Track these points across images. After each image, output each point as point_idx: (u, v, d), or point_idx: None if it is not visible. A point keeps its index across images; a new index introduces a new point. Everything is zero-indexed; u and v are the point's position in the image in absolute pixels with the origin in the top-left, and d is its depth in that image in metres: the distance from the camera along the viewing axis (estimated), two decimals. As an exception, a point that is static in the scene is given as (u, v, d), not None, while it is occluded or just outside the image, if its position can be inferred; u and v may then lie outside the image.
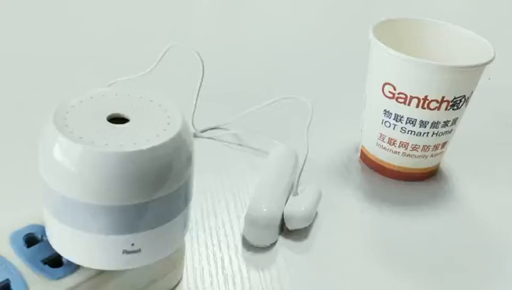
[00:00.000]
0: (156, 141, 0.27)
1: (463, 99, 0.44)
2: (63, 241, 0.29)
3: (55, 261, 0.30)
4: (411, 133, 0.45)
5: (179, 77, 0.58)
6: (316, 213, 0.43)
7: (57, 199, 0.27)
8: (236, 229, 0.41)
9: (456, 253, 0.41)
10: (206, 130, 0.52)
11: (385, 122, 0.46)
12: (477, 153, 0.54)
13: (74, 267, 0.30)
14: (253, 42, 0.74)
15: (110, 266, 0.29)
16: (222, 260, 0.38)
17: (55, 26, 0.72)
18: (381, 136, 0.46)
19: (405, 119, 0.44)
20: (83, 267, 0.30)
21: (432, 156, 0.47)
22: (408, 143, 0.45)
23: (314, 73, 0.66)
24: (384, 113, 0.45)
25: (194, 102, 0.50)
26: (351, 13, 0.88)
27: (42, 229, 0.31)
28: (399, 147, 0.46)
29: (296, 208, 0.40)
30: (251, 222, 0.39)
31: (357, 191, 0.46)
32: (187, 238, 0.39)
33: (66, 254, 0.29)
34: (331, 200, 0.44)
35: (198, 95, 0.50)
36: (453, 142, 0.48)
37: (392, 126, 0.45)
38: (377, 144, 0.47)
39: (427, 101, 0.43)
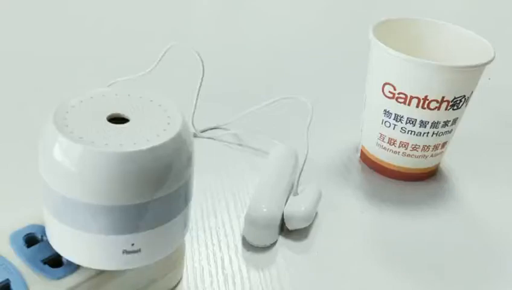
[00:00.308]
0: (156, 141, 0.27)
1: (463, 99, 0.44)
2: (63, 241, 0.29)
3: (55, 261, 0.30)
4: (411, 133, 0.45)
5: (179, 77, 0.58)
6: (316, 213, 0.43)
7: (57, 199, 0.27)
8: (236, 229, 0.41)
9: (456, 253, 0.41)
10: (206, 130, 0.52)
11: (385, 122, 0.46)
12: (477, 153, 0.54)
13: (74, 267, 0.30)
14: (253, 42, 0.74)
15: (110, 266, 0.29)
16: (222, 260, 0.38)
17: (55, 26, 0.72)
18: (381, 136, 0.46)
19: (405, 119, 0.44)
20: (83, 267, 0.30)
21: (432, 156, 0.47)
22: (408, 143, 0.45)
23: (314, 73, 0.66)
24: (384, 113, 0.45)
25: (194, 102, 0.50)
26: (351, 13, 0.88)
27: (42, 229, 0.31)
28: (399, 147, 0.46)
29: (296, 208, 0.40)
30: (251, 222, 0.39)
31: (357, 191, 0.46)
32: (187, 238, 0.39)
33: (66, 254, 0.29)
34: (331, 200, 0.44)
35: (198, 95, 0.50)
36: (453, 142, 0.48)
37: (392, 126, 0.45)
38: (377, 144, 0.47)
39: (427, 101, 0.43)
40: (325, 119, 0.54)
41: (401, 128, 0.45)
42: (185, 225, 0.31)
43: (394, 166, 0.47)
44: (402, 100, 0.44)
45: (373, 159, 0.48)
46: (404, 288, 0.37)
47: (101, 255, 0.28)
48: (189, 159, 0.29)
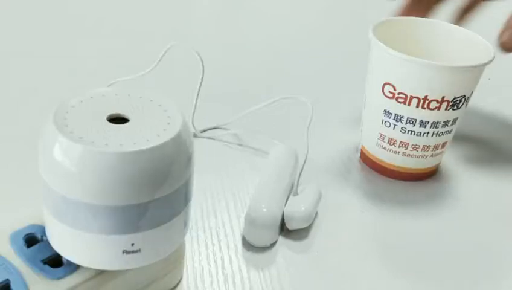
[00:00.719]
0: (156, 141, 0.27)
1: (463, 100, 0.44)
2: (63, 241, 0.29)
3: (55, 261, 0.30)
4: (411, 133, 0.45)
5: (179, 77, 0.58)
6: (316, 213, 0.43)
7: (57, 199, 0.27)
8: (236, 229, 0.41)
9: (457, 253, 0.41)
10: (206, 130, 0.52)
11: (385, 122, 0.46)
12: (477, 153, 0.54)
13: (74, 267, 0.30)
14: (253, 42, 0.74)
15: (110, 266, 0.29)
16: (222, 260, 0.38)
17: (55, 26, 0.72)
18: (381, 136, 0.46)
19: (405, 119, 0.44)
20: (83, 267, 0.30)
21: (432, 156, 0.47)
22: (408, 143, 0.45)
23: (314, 73, 0.66)
24: (384, 113, 0.45)
25: (194, 102, 0.50)
26: (351, 13, 0.88)
27: (42, 229, 0.31)
28: (399, 147, 0.46)
29: (296, 208, 0.40)
30: (251, 222, 0.39)
31: (357, 191, 0.46)
32: (187, 238, 0.39)
33: (66, 254, 0.29)
34: (331, 200, 0.44)
35: (198, 95, 0.50)
36: (453, 142, 0.48)
37: (392, 126, 0.45)
38: (377, 144, 0.47)
39: (427, 101, 0.43)
40: (325, 119, 0.54)
41: (401, 128, 0.45)
42: (185, 225, 0.31)
43: (394, 166, 0.47)
44: (402, 100, 0.44)
45: (373, 159, 0.48)
46: (404, 288, 0.37)
47: (101, 255, 0.28)
48: (189, 159, 0.29)
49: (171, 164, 0.28)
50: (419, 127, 0.44)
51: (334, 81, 0.65)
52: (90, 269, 0.30)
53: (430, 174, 0.49)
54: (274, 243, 0.40)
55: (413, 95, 0.43)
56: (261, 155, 0.50)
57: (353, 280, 0.38)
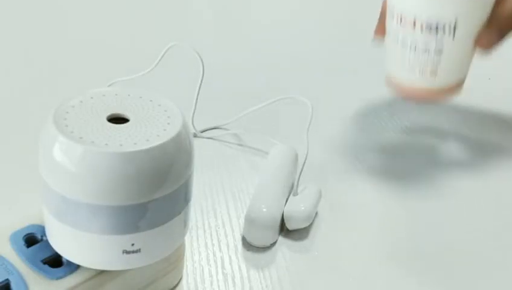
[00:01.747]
0: (156, 141, 0.27)
1: (442, 26, 0.43)
2: (63, 241, 0.29)
3: (55, 261, 0.30)
4: (398, 43, 0.46)
5: (179, 77, 0.58)
6: (316, 213, 0.43)
7: (57, 199, 0.27)
8: (236, 229, 0.41)
9: (459, 254, 0.41)
10: (206, 130, 0.52)
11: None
12: (478, 154, 0.53)
13: (74, 267, 0.30)
14: (253, 42, 0.74)
15: (110, 266, 0.29)
16: (222, 260, 0.38)
17: (55, 26, 0.72)
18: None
19: (392, 33, 0.47)
20: (82, 267, 0.30)
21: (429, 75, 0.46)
22: (401, 57, 0.46)
23: (314, 73, 0.66)
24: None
25: (194, 102, 0.50)
26: (351, 13, 0.88)
27: (42, 229, 0.31)
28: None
29: (296, 208, 0.40)
30: (251, 222, 0.39)
31: (357, 190, 0.46)
32: (187, 238, 0.39)
33: (66, 254, 0.29)
34: (331, 200, 0.44)
35: (198, 95, 0.50)
36: (454, 142, 0.48)
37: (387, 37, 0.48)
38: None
39: (403, 19, 0.44)
40: (325, 119, 0.54)
41: (391, 40, 0.47)
42: (185, 225, 0.31)
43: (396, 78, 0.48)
44: (391, 14, 0.46)
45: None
46: (405, 288, 0.37)
47: (101, 255, 0.28)
48: (189, 159, 0.29)
49: (171, 164, 0.28)
50: (402, 45, 0.45)
51: (334, 81, 0.65)
52: (90, 269, 0.30)
53: (433, 95, 0.48)
54: (274, 243, 0.40)
55: (396, 11, 0.45)
56: (260, 155, 0.50)
57: (353, 279, 0.38)
